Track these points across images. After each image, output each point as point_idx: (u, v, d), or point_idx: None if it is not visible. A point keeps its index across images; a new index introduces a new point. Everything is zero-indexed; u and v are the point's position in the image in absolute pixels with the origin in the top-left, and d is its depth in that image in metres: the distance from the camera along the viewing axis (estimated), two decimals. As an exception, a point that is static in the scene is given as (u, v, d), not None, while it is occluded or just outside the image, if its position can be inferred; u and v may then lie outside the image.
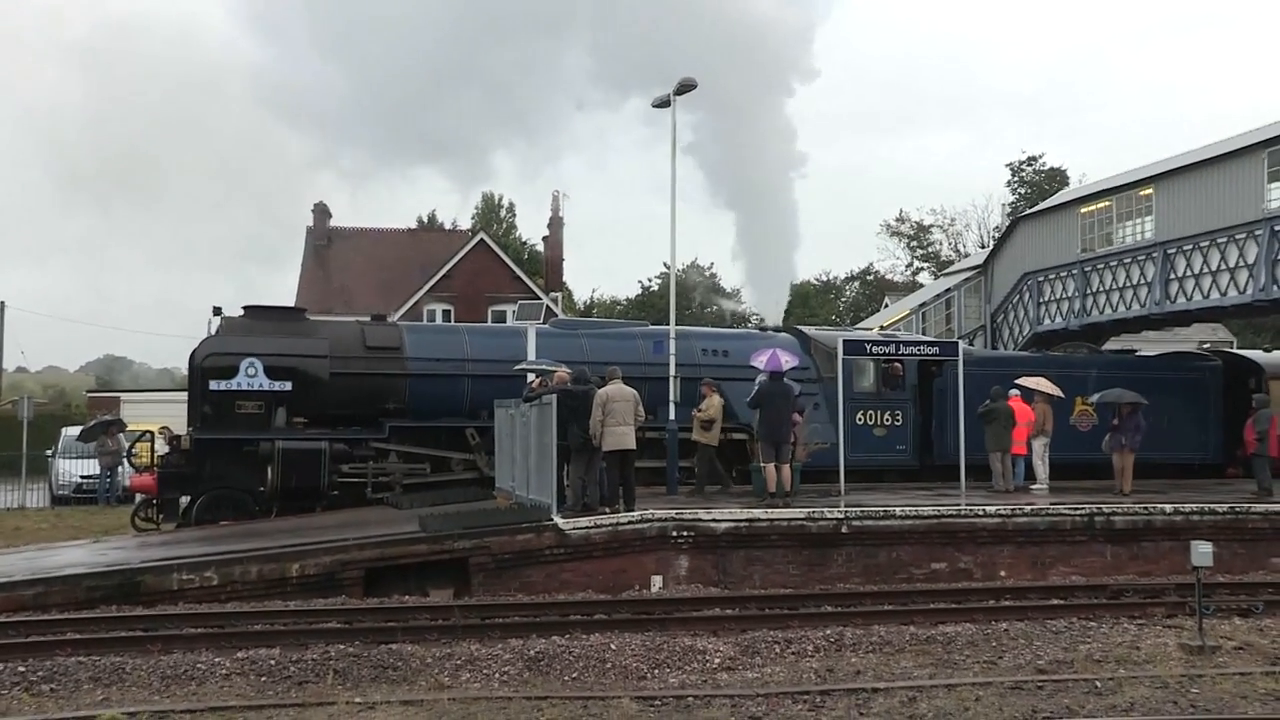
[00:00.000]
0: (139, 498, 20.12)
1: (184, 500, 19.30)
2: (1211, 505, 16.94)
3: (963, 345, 21.47)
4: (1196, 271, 24.80)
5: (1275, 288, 22.60)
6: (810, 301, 64.42)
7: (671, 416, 19.04)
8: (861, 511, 15.74)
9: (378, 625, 11.98)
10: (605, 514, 15.10)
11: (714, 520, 15.19)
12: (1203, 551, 11.78)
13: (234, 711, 9.00)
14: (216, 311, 20.03)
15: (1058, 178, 61.38)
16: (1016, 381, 20.18)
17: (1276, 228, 22.64)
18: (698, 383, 20.74)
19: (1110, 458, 19.17)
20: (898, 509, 15.90)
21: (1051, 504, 16.91)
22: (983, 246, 55.79)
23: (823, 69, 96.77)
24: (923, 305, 37.98)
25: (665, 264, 55.43)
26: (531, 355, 19.40)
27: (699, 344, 21.85)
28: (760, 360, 18.76)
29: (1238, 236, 23.65)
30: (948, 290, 36.86)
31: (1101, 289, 27.78)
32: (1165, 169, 26.68)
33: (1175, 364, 25.44)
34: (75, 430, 28.65)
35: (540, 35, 31.36)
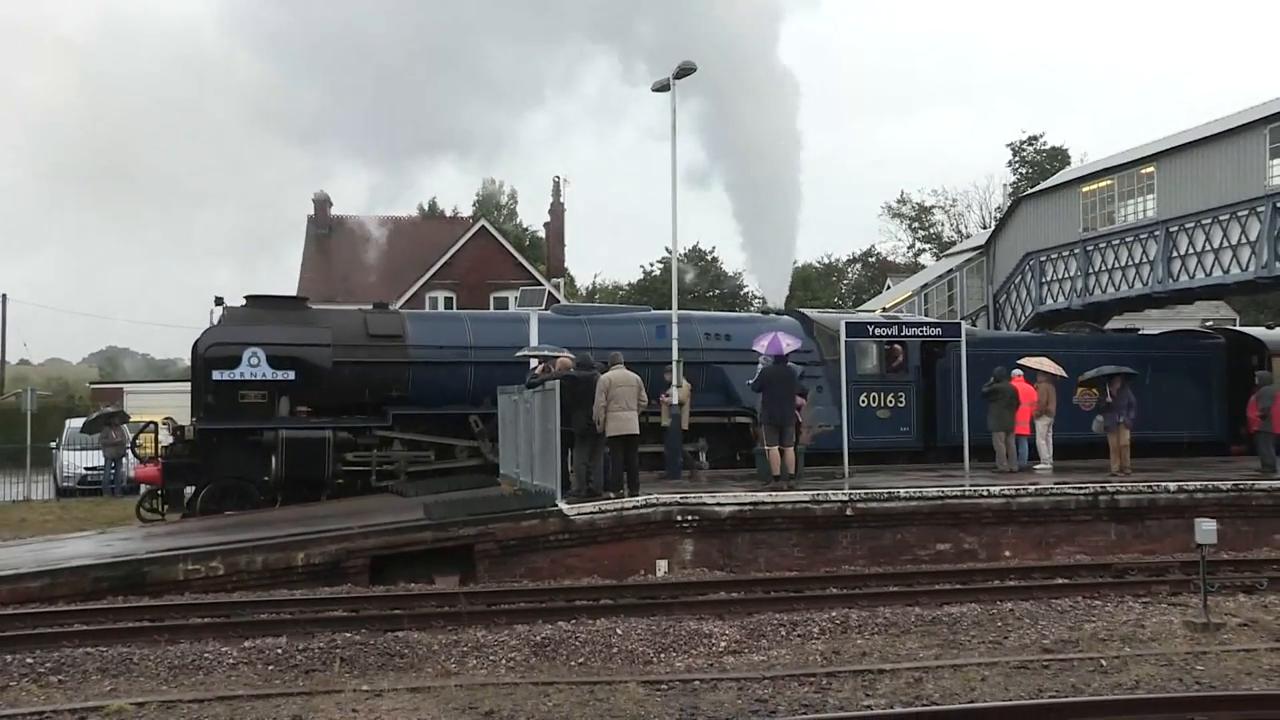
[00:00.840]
0: (144, 488, 20.16)
1: (189, 490, 19.34)
2: (1215, 483, 16.94)
3: (965, 326, 21.44)
4: (1199, 249, 24.74)
5: (1277, 264, 22.55)
6: (812, 284, 64.35)
7: (675, 401, 19.03)
8: (866, 494, 15.75)
9: (384, 613, 12.00)
10: (610, 499, 15.12)
11: (719, 504, 15.20)
12: (1207, 529, 11.78)
13: (241, 701, 9.01)
14: (219, 301, 20.03)
15: (1059, 157, 61.22)
16: (1019, 361, 20.16)
17: (1278, 204, 22.57)
18: (700, 367, 20.78)
19: (1107, 438, 19.00)
20: (902, 491, 15.91)
21: (1056, 484, 16.92)
22: (984, 227, 55.71)
23: (823, 50, 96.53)
24: (925, 286, 37.95)
25: (667, 248, 55.38)
26: (534, 341, 19.39)
27: (701, 328, 21.84)
28: (762, 344, 18.74)
29: (1240, 214, 23.59)
30: (950, 271, 36.82)
31: (1104, 268, 27.73)
32: (1166, 147, 26.63)
33: (1178, 342, 25.40)
34: (79, 422, 28.70)
35: (537, 20, 31.19)
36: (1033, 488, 16.49)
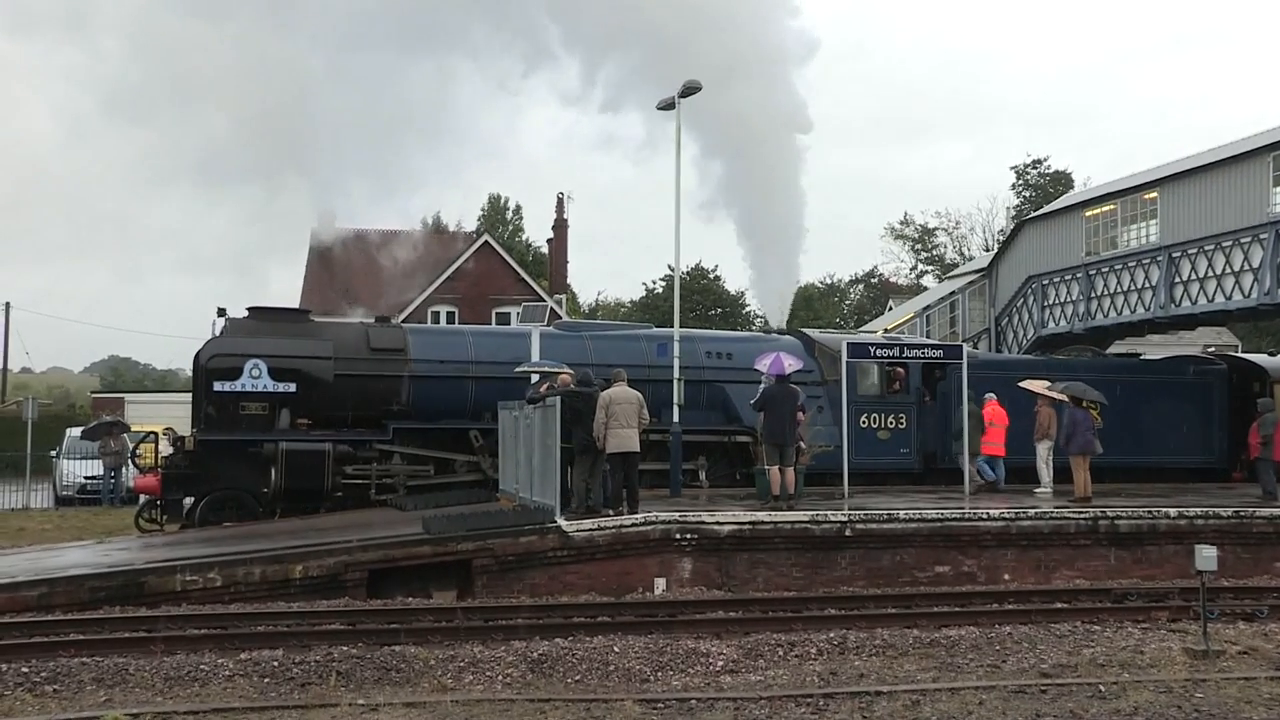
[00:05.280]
0: (143, 499, 20.13)
1: (188, 501, 19.32)
2: (1216, 509, 16.92)
3: (967, 348, 21.44)
4: (1201, 275, 24.76)
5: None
6: (814, 304, 64.44)
7: (675, 419, 19.03)
8: (865, 514, 15.72)
9: (381, 627, 11.98)
10: (609, 516, 15.09)
11: (718, 523, 15.18)
12: (1207, 555, 11.76)
13: (237, 713, 9.00)
14: (221, 313, 20.06)
15: (1062, 181, 61.37)
16: (1019, 384, 20.20)
17: (1281, 231, 22.60)
18: (701, 385, 20.79)
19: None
20: (901, 512, 15.88)
21: (1055, 507, 16.89)
22: (987, 249, 55.77)
23: (833, 74, 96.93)
24: (927, 308, 37.97)
25: (669, 266, 55.49)
26: (535, 357, 19.40)
27: (703, 346, 21.86)
28: (765, 363, 18.76)
29: (1243, 240, 23.61)
30: (952, 293, 36.83)
31: (1106, 292, 27.74)
32: (1170, 172, 26.64)
33: (1180, 368, 25.39)
34: (79, 431, 28.69)
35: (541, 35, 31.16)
36: (1032, 511, 16.47)
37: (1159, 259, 25.87)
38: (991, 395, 20.12)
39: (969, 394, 19.72)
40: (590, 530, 14.65)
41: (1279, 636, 12.36)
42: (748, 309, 62.89)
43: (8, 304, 48.54)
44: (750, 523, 15.30)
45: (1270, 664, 11.09)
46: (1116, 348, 30.82)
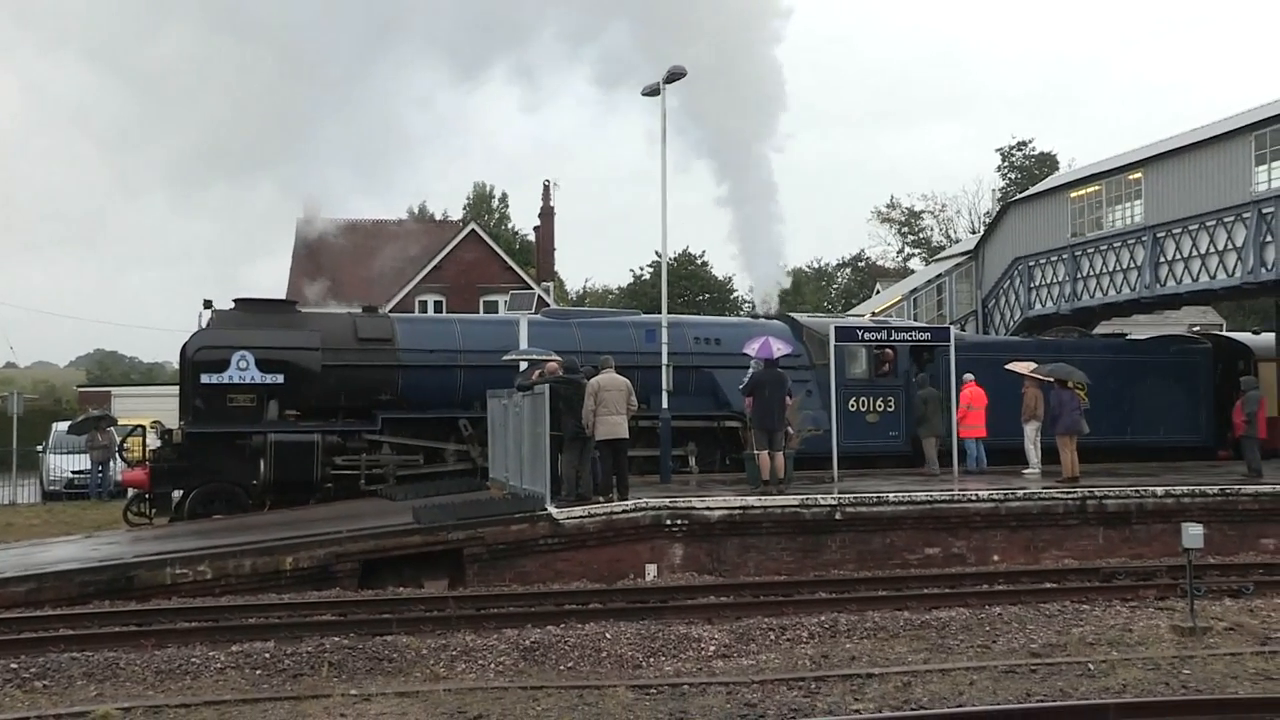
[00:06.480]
0: (131, 492, 20.07)
1: (176, 494, 19.27)
2: (1202, 487, 17.01)
3: (954, 331, 21.50)
4: (1186, 255, 24.84)
5: (1264, 270, 22.65)
6: (802, 288, 64.46)
7: (664, 405, 19.05)
8: (855, 498, 15.77)
9: (372, 617, 11.99)
10: (599, 503, 15.11)
11: (708, 508, 15.21)
12: (1193, 533, 11.83)
13: (229, 705, 8.99)
14: (207, 304, 19.98)
15: (1047, 163, 61.43)
16: (1005, 366, 20.25)
17: (1264, 210, 22.68)
18: (689, 371, 20.80)
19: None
20: (891, 495, 15.93)
21: (1044, 488, 16.97)
22: (973, 232, 55.84)
23: (818, 60, 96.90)
24: (914, 291, 38.02)
25: (657, 253, 55.45)
26: (523, 345, 19.39)
27: (691, 332, 21.86)
28: (753, 347, 18.78)
29: (1226, 219, 23.69)
30: (939, 276, 36.89)
31: (1092, 273, 27.82)
32: (1154, 153, 26.71)
33: (1165, 347, 25.50)
34: (66, 425, 28.57)
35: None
36: (1021, 492, 16.53)
37: (1144, 239, 25.94)
38: (969, 377, 20.15)
39: (922, 377, 19.92)
40: (580, 517, 14.67)
41: (1264, 612, 12.46)
42: (735, 294, 62.93)
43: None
44: (740, 508, 15.32)
45: (1256, 639, 11.17)
46: (1103, 328, 30.92)
